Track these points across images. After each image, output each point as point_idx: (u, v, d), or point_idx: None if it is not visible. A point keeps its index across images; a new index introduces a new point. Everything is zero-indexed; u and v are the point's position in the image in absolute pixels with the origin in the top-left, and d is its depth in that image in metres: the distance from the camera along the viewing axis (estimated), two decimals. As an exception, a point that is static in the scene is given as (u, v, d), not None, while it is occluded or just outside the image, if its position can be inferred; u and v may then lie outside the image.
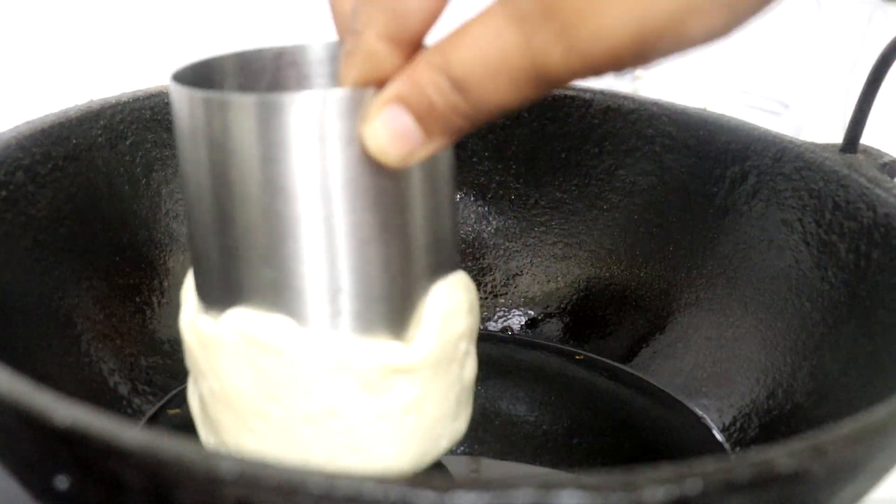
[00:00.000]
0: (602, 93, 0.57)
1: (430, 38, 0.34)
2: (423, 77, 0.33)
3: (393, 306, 0.38)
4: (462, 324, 0.40)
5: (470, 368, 0.42)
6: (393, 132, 0.35)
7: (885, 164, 0.49)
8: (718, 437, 0.48)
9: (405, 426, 0.39)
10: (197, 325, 0.40)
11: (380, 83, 0.35)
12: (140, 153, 0.52)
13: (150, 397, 0.49)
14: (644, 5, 0.29)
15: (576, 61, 0.31)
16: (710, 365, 0.51)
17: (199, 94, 0.37)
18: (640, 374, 0.53)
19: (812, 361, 0.46)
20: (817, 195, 0.49)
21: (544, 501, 0.26)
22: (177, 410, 0.49)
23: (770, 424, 0.47)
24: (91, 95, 0.51)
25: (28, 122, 0.48)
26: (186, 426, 0.43)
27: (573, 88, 0.56)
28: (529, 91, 0.32)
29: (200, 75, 0.40)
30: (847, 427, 0.30)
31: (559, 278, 0.57)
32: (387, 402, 0.38)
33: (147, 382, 0.49)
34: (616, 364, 0.54)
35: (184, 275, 0.52)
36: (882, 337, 0.42)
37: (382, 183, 0.37)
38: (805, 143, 0.51)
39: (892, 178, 0.48)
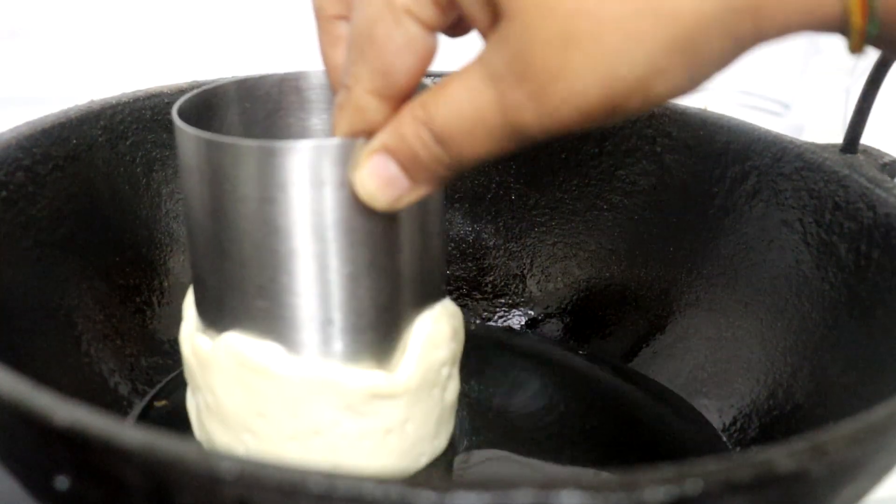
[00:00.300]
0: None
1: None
2: (407, 130, 0.35)
3: (378, 336, 0.41)
4: (444, 351, 0.43)
5: (451, 391, 0.45)
6: (380, 179, 0.37)
7: (885, 165, 0.49)
8: (720, 434, 0.49)
9: (386, 446, 0.42)
10: (195, 342, 0.42)
11: (369, 134, 0.37)
12: (140, 153, 0.52)
13: (151, 397, 0.49)
14: (611, 69, 0.31)
15: (547, 120, 0.32)
16: (710, 365, 0.51)
17: (202, 135, 0.39)
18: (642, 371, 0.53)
19: (812, 361, 0.46)
20: (817, 195, 0.49)
21: (544, 501, 0.26)
22: (164, 402, 0.49)
23: (770, 424, 0.47)
24: (91, 96, 0.51)
25: (28, 123, 0.48)
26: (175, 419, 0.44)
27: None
28: (505, 144, 0.34)
29: (204, 103, 0.43)
30: (847, 427, 0.30)
31: (559, 278, 0.57)
32: (369, 424, 0.41)
33: (147, 382, 0.49)
34: (618, 357, 0.54)
35: (184, 275, 0.53)
36: (882, 337, 0.42)
37: (372, 223, 0.39)
38: (805, 143, 0.51)
39: (893, 178, 0.48)
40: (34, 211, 0.46)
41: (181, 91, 0.54)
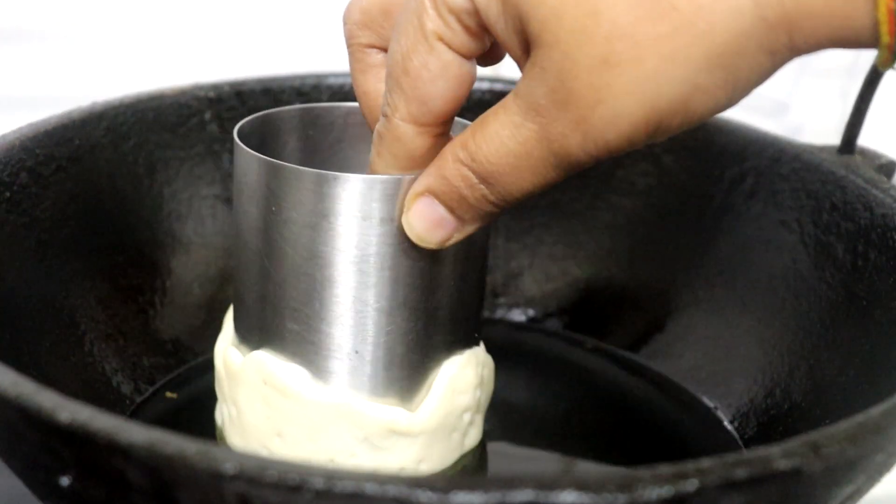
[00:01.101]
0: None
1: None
2: (450, 172, 0.35)
3: (404, 374, 0.42)
4: (468, 398, 0.43)
5: (472, 437, 0.45)
6: (428, 222, 0.37)
7: (881, 166, 0.49)
8: (727, 425, 0.49)
9: None
10: (227, 354, 0.43)
11: (409, 163, 0.37)
12: (143, 154, 0.52)
13: (152, 397, 0.49)
14: (652, 90, 0.31)
15: (592, 147, 0.32)
16: (708, 364, 0.51)
17: (259, 156, 0.40)
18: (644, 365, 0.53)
19: (809, 361, 0.46)
20: (815, 196, 0.49)
21: (544, 501, 0.26)
22: (174, 395, 0.50)
23: (768, 424, 0.47)
24: (94, 97, 0.52)
25: (31, 124, 0.48)
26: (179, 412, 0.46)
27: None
28: (553, 175, 0.34)
29: (267, 126, 0.44)
30: (844, 427, 0.30)
31: (559, 278, 0.57)
32: (384, 458, 0.41)
33: (149, 382, 0.50)
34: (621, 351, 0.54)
35: (185, 275, 0.53)
36: (879, 337, 0.43)
37: (412, 262, 0.40)
38: (802, 144, 0.51)
39: (889, 179, 0.49)
40: (37, 211, 0.46)
41: (183, 92, 0.54)
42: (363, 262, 0.39)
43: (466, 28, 0.34)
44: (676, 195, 0.54)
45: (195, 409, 0.49)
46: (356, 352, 0.40)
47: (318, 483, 0.26)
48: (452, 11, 0.33)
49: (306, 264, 0.40)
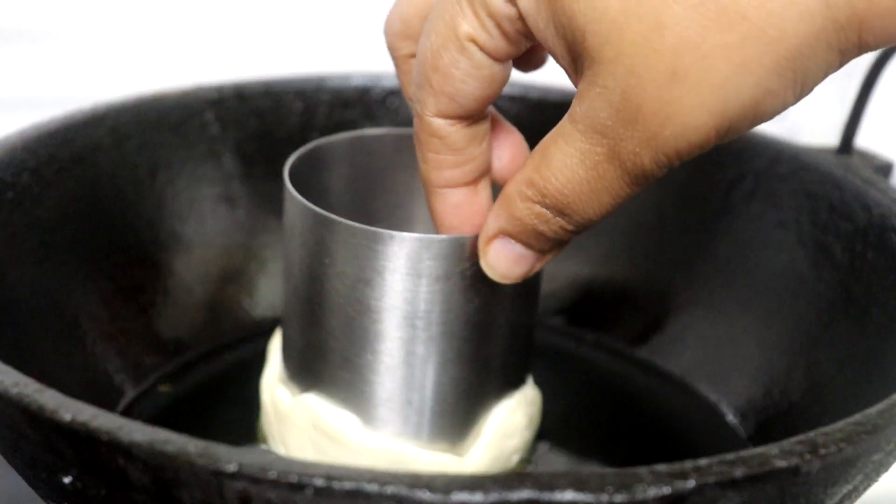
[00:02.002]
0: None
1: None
2: (521, 213, 0.34)
3: (455, 421, 0.42)
4: (517, 440, 0.43)
5: None
6: (508, 260, 0.36)
7: (879, 166, 0.49)
8: (731, 419, 0.49)
9: None
10: (276, 393, 0.43)
11: (455, 159, 0.36)
12: (145, 155, 0.52)
13: (154, 396, 0.49)
14: (722, 100, 0.30)
15: (665, 160, 0.31)
16: (706, 364, 0.51)
17: (309, 206, 0.40)
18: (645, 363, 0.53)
19: (808, 360, 0.46)
20: (813, 196, 0.49)
21: (543, 501, 0.26)
22: (168, 387, 0.50)
23: (766, 423, 0.47)
24: (96, 98, 0.52)
25: (34, 125, 0.48)
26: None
27: (571, 92, 0.56)
28: (629, 191, 0.33)
29: (315, 157, 0.44)
30: (842, 426, 0.30)
31: (559, 278, 0.57)
32: None
33: (151, 381, 0.50)
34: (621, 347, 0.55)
35: (187, 274, 0.53)
36: (877, 336, 0.43)
37: (467, 317, 0.40)
38: (801, 145, 0.51)
39: (887, 179, 0.49)
40: (40, 212, 0.46)
41: (185, 93, 0.54)
42: (415, 317, 0.39)
43: (504, 33, 0.33)
44: (676, 196, 0.55)
45: (196, 408, 0.49)
46: (408, 402, 0.40)
47: (319, 481, 0.26)
48: (492, 16, 0.33)
49: (358, 317, 0.39)
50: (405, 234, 0.38)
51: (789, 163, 0.50)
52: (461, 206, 0.37)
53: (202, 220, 0.54)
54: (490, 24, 0.33)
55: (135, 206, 0.52)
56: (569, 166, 0.32)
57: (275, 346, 0.46)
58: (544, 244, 0.35)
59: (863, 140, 0.50)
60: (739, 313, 0.51)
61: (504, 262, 0.36)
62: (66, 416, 0.29)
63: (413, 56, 0.39)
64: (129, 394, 0.48)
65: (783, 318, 0.49)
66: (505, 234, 0.36)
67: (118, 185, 0.51)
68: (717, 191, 0.53)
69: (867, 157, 0.50)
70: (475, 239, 0.38)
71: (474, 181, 0.37)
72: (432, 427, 0.41)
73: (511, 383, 0.43)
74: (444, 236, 0.38)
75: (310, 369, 0.42)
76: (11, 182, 0.45)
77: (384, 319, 0.39)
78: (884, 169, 0.49)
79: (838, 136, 0.50)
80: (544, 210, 0.34)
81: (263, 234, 0.56)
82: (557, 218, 0.34)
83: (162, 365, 0.50)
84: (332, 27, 0.78)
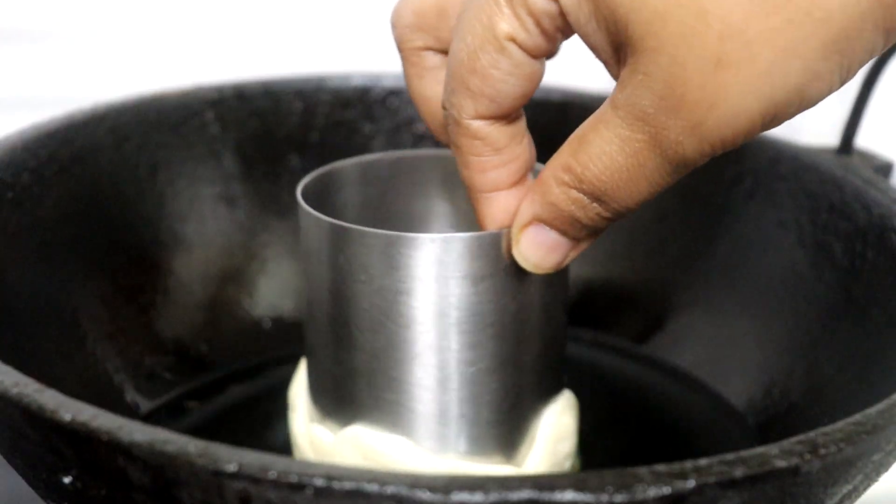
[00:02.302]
0: (602, 97, 0.57)
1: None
2: (557, 198, 0.34)
3: (507, 430, 0.40)
4: (569, 444, 0.43)
5: None
6: (542, 248, 0.36)
7: (879, 166, 0.49)
8: (731, 419, 0.49)
9: None
10: (314, 434, 0.42)
11: (498, 159, 0.36)
12: (144, 155, 0.52)
13: (154, 396, 0.49)
14: (768, 86, 0.29)
15: (708, 149, 0.31)
16: (706, 364, 0.51)
17: (344, 224, 0.38)
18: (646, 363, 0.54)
19: (808, 360, 0.46)
20: (813, 196, 0.49)
21: (543, 501, 0.26)
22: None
23: (766, 423, 0.47)
24: (96, 98, 0.52)
25: (34, 125, 0.48)
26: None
27: (572, 93, 0.56)
28: (668, 180, 0.32)
29: (324, 184, 0.43)
30: (842, 426, 0.30)
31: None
32: None
33: (151, 381, 0.50)
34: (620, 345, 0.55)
35: (187, 274, 0.53)
36: (877, 336, 0.43)
37: (514, 316, 0.39)
38: (801, 145, 0.51)
39: (887, 179, 0.49)
40: (40, 212, 0.46)
41: (185, 93, 0.54)
42: (465, 322, 0.38)
43: (543, 31, 0.33)
44: (676, 196, 0.54)
45: (196, 408, 0.49)
46: (462, 415, 0.39)
47: (319, 481, 0.26)
48: (532, 14, 0.32)
49: (403, 332, 0.38)
50: (450, 235, 0.37)
51: (789, 163, 0.50)
52: (509, 208, 0.37)
53: (202, 220, 0.54)
54: (530, 23, 0.32)
55: (135, 206, 0.52)
56: (608, 153, 0.32)
57: (296, 390, 0.44)
58: (579, 231, 0.35)
59: (863, 140, 0.50)
60: (739, 313, 0.51)
61: (538, 249, 0.36)
62: (66, 416, 0.29)
63: (425, 49, 0.39)
64: (129, 394, 0.48)
65: (783, 318, 0.49)
66: (539, 220, 0.35)
67: (118, 185, 0.51)
68: (717, 191, 0.53)
69: (867, 157, 0.50)
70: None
71: (519, 181, 0.37)
72: (489, 439, 0.40)
73: (556, 385, 0.42)
74: (489, 232, 0.37)
75: (351, 400, 0.40)
76: (11, 182, 0.45)
77: (432, 329, 0.38)
78: (884, 169, 0.49)
79: (838, 136, 0.50)
80: (581, 196, 0.33)
81: (263, 234, 0.56)
82: (594, 204, 0.33)
83: (162, 365, 0.50)
84: (332, 27, 0.78)
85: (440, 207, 0.46)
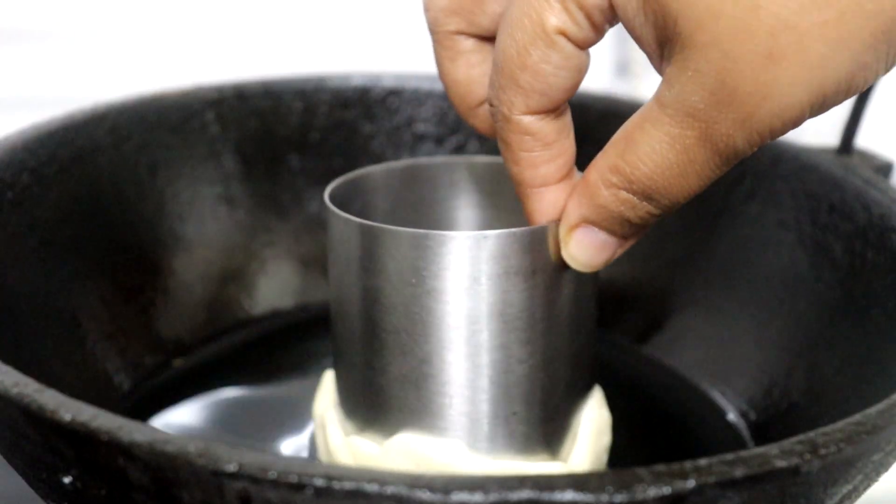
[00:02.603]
0: (601, 97, 0.57)
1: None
2: (606, 200, 0.34)
3: (554, 426, 0.40)
4: (607, 438, 0.43)
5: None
6: (591, 248, 0.36)
7: (879, 166, 0.49)
8: (731, 419, 0.49)
9: None
10: (357, 447, 0.41)
11: (549, 153, 0.36)
12: (144, 155, 0.52)
13: (153, 395, 0.50)
14: (818, 77, 0.30)
15: (757, 139, 0.31)
16: (706, 364, 0.51)
17: (396, 229, 0.38)
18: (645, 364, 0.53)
19: (807, 361, 0.46)
20: (813, 196, 0.49)
21: (543, 501, 0.26)
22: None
23: (766, 423, 0.47)
24: (96, 98, 0.52)
25: (34, 125, 0.48)
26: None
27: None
28: (718, 172, 0.33)
29: (354, 188, 0.42)
30: (842, 426, 0.30)
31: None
32: None
33: (151, 381, 0.50)
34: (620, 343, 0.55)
35: (187, 274, 0.53)
36: (877, 336, 0.43)
37: (560, 310, 0.39)
38: (801, 145, 0.51)
39: (887, 179, 0.49)
40: (40, 212, 0.46)
41: (185, 93, 0.54)
42: (516, 319, 0.38)
43: (593, 23, 0.33)
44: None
45: (196, 408, 0.49)
46: (514, 413, 0.39)
47: (319, 481, 0.26)
48: (582, 7, 0.32)
49: (454, 332, 0.38)
50: (501, 232, 0.37)
51: (789, 163, 0.50)
52: (558, 203, 0.37)
53: (202, 220, 0.54)
54: (579, 16, 0.33)
55: (135, 205, 0.52)
56: (657, 151, 0.32)
57: (324, 405, 0.43)
58: (628, 230, 0.35)
59: (863, 140, 0.50)
60: (739, 313, 0.51)
61: (587, 250, 0.36)
62: (66, 416, 0.29)
63: (459, 33, 0.39)
64: (129, 393, 0.48)
65: (783, 318, 0.49)
66: (588, 222, 0.35)
67: (118, 185, 0.51)
68: (717, 191, 0.53)
69: (867, 157, 0.50)
70: (557, 226, 0.37)
71: (567, 174, 0.37)
72: (537, 436, 0.40)
73: (590, 381, 0.43)
74: (537, 226, 0.37)
75: (399, 407, 0.39)
76: (11, 182, 0.45)
77: (485, 328, 0.38)
78: (884, 169, 0.49)
79: (838, 136, 0.50)
80: (631, 196, 0.34)
81: (263, 234, 0.56)
82: (644, 203, 0.34)
83: (162, 365, 0.50)
84: (332, 27, 0.78)
85: (467, 213, 0.46)
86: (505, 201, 0.45)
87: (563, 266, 0.38)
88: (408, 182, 0.45)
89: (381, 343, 0.39)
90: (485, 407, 0.39)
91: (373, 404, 0.40)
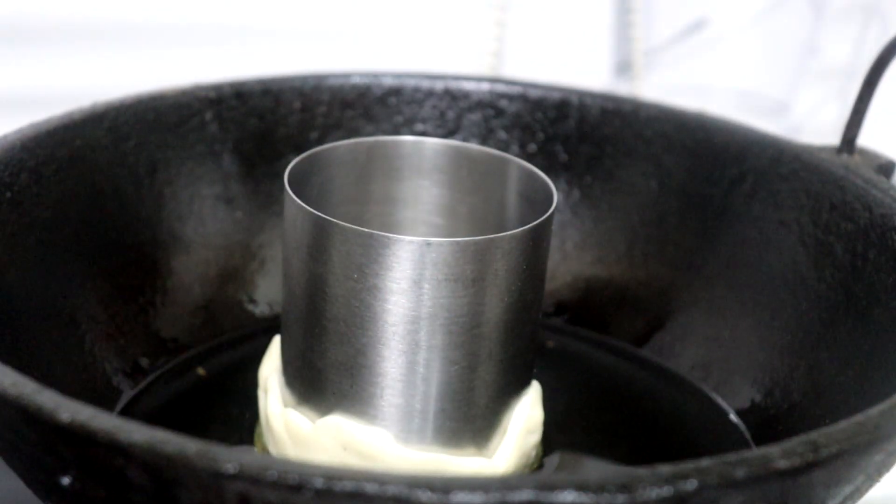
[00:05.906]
0: (601, 96, 0.57)
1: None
2: None
3: (484, 423, 0.42)
4: (537, 435, 0.44)
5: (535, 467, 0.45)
6: None
7: (881, 166, 0.49)
8: (732, 419, 0.49)
9: None
10: (290, 419, 0.42)
11: None
12: (143, 154, 0.52)
13: (152, 396, 0.49)
14: None
15: None
16: (707, 364, 0.51)
17: (340, 223, 0.39)
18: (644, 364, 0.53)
19: (809, 361, 0.46)
20: (814, 196, 0.49)
21: (544, 501, 0.26)
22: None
23: (767, 423, 0.47)
24: (95, 98, 0.52)
25: (32, 125, 0.48)
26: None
27: (572, 92, 0.56)
28: None
29: (312, 165, 0.44)
30: (844, 426, 0.30)
31: (558, 278, 0.57)
32: None
33: (150, 381, 0.50)
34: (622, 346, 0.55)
35: (186, 275, 0.53)
36: (878, 336, 0.43)
37: (499, 317, 0.40)
38: (802, 144, 0.51)
39: (889, 179, 0.49)
40: (38, 211, 0.46)
41: (184, 93, 0.54)
42: (453, 323, 0.39)
43: None
44: (676, 196, 0.55)
45: (196, 408, 0.49)
46: (442, 409, 0.40)
47: (319, 482, 0.26)
48: None
49: (391, 329, 0.39)
50: (445, 241, 0.38)
51: (790, 162, 0.50)
52: None
53: (201, 220, 0.54)
54: None
55: (134, 205, 0.52)
56: None
57: (268, 369, 0.45)
58: None
59: (864, 139, 0.50)
60: (740, 313, 0.51)
61: None
62: (65, 417, 0.29)
63: None
64: (128, 394, 0.48)
65: (784, 318, 0.49)
66: None
67: (117, 185, 0.51)
68: (717, 191, 0.53)
69: (869, 157, 0.50)
70: (505, 238, 0.39)
71: None
72: (464, 432, 0.41)
73: (527, 379, 0.44)
74: (481, 238, 0.38)
75: (333, 391, 0.41)
76: (10, 182, 0.45)
77: (422, 329, 0.39)
78: (886, 168, 0.49)
79: (840, 136, 0.50)
80: None
81: (263, 234, 0.56)
82: None
83: (161, 365, 0.50)
84: (332, 27, 0.77)
85: (431, 192, 0.47)
86: (468, 182, 0.46)
87: (505, 275, 0.39)
88: (373, 158, 0.46)
89: (321, 329, 0.40)
90: (415, 401, 0.40)
91: (310, 383, 0.42)
